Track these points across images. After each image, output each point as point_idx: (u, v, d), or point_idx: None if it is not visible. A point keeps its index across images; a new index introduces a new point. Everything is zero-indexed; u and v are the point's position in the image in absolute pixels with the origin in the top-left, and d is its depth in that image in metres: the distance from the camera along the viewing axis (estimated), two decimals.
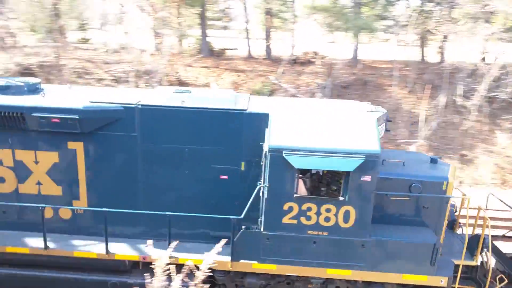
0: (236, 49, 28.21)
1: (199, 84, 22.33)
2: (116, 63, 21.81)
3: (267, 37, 26.70)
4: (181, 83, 21.80)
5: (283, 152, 7.07)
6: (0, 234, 8.55)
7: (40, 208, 7.88)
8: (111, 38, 25.95)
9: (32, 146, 8.27)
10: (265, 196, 7.41)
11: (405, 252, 7.62)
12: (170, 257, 4.94)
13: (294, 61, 25.04)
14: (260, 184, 7.52)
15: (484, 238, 8.10)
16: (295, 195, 7.32)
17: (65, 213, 8.65)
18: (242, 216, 7.38)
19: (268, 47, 26.68)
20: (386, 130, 8.75)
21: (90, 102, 8.07)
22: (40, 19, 22.67)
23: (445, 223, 8.05)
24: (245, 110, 7.88)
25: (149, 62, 21.86)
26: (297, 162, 7.03)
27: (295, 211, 7.46)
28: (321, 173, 7.75)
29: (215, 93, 9.30)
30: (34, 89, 8.72)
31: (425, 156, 8.98)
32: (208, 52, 26.46)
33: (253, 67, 24.62)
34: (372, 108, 8.36)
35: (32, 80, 9.19)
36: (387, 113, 8.69)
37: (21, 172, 8.42)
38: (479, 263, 8.42)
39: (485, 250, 8.38)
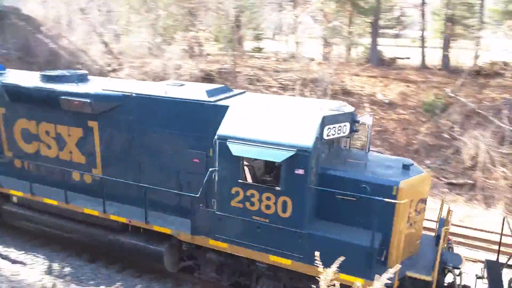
0: (409, 58, 26.47)
1: (364, 94, 21.61)
2: (285, 71, 22.70)
3: (446, 46, 24.30)
4: (346, 93, 21.45)
5: (227, 140, 7.86)
6: (46, 189, 10.68)
7: (66, 171, 10.23)
8: (283, 47, 27.20)
9: (66, 122, 10.34)
10: (216, 179, 8.19)
11: (340, 251, 7.14)
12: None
13: (477, 73, 22.16)
14: (212, 168, 8.26)
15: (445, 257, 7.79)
16: (239, 180, 7.89)
17: (87, 178, 10.47)
18: (198, 194, 8.26)
19: (445, 56, 24.27)
20: (353, 130, 8.70)
21: (102, 89, 9.85)
22: (223, 30, 25.09)
23: (398, 228, 7.63)
24: (211, 102, 8.65)
25: (316, 71, 22.12)
26: (236, 150, 7.73)
27: (240, 196, 8.06)
28: (267, 163, 8.10)
29: (201, 86, 9.98)
30: (80, 79, 10.82)
31: (403, 162, 8.48)
32: (377, 61, 25.45)
33: (426, 78, 22.67)
34: (335, 107, 8.40)
35: (80, 72, 11.65)
36: (352, 114, 8.57)
37: (60, 142, 10.56)
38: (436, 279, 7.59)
39: (451, 268, 7.86)
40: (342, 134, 8.35)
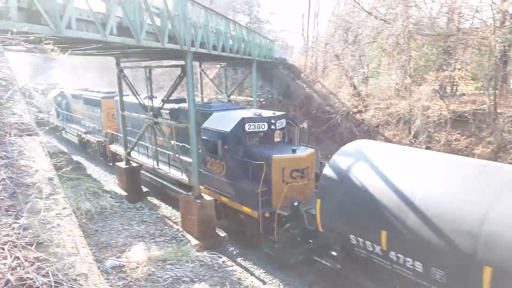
0: None
1: None
2: None
3: None
4: None
5: (202, 129, 14.49)
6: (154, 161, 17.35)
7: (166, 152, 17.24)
8: None
9: (165, 125, 17.24)
10: (201, 152, 14.75)
11: (245, 194, 12.96)
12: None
13: None
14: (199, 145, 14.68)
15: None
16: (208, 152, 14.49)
17: (172, 156, 16.44)
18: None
19: None
20: (271, 129, 13.49)
21: (176, 106, 16.93)
22: (484, 68, 22.30)
23: (274, 183, 12.56)
24: (210, 111, 15.45)
25: None
26: (202, 134, 14.47)
27: (209, 162, 14.51)
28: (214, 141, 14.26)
29: (217, 103, 18.33)
30: (179, 101, 18.00)
31: (293, 147, 13.35)
32: None
33: None
34: (257, 113, 14.06)
35: (181, 98, 19.53)
36: (269, 118, 13.47)
37: (163, 136, 16.06)
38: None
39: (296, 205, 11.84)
40: (261, 129, 13.30)
